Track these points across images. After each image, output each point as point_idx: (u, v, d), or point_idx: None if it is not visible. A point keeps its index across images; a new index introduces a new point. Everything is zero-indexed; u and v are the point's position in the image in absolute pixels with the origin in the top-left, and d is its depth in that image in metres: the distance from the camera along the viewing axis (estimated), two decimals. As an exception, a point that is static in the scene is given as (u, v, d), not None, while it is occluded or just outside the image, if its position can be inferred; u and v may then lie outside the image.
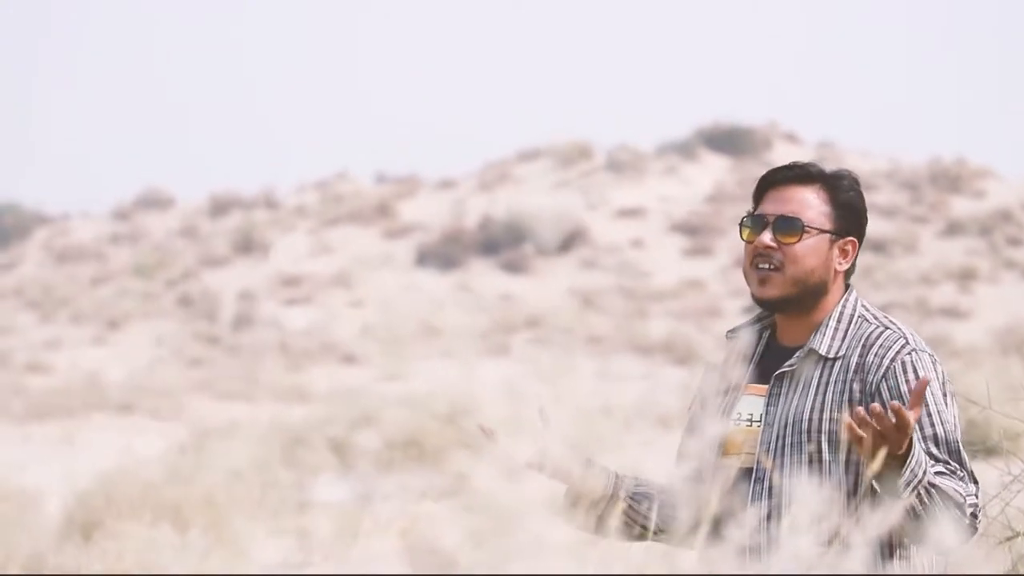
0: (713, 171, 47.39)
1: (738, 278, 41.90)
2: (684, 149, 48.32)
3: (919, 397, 3.44)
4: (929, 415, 3.56)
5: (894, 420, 3.39)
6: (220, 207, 48.34)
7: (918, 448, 3.44)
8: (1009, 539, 4.52)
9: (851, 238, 3.68)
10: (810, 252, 3.66)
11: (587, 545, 2.73)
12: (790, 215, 3.66)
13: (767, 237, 3.67)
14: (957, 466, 3.53)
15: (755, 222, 3.69)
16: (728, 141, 48.45)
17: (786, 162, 3.85)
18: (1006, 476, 4.62)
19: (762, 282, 3.68)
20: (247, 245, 45.80)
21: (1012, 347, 32.01)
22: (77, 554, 7.90)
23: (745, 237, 3.70)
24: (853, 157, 47.68)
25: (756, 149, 48.13)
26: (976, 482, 3.55)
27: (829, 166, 3.76)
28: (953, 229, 43.87)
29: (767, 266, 3.67)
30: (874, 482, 3.40)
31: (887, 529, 3.35)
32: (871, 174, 45.99)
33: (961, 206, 44.85)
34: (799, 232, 3.65)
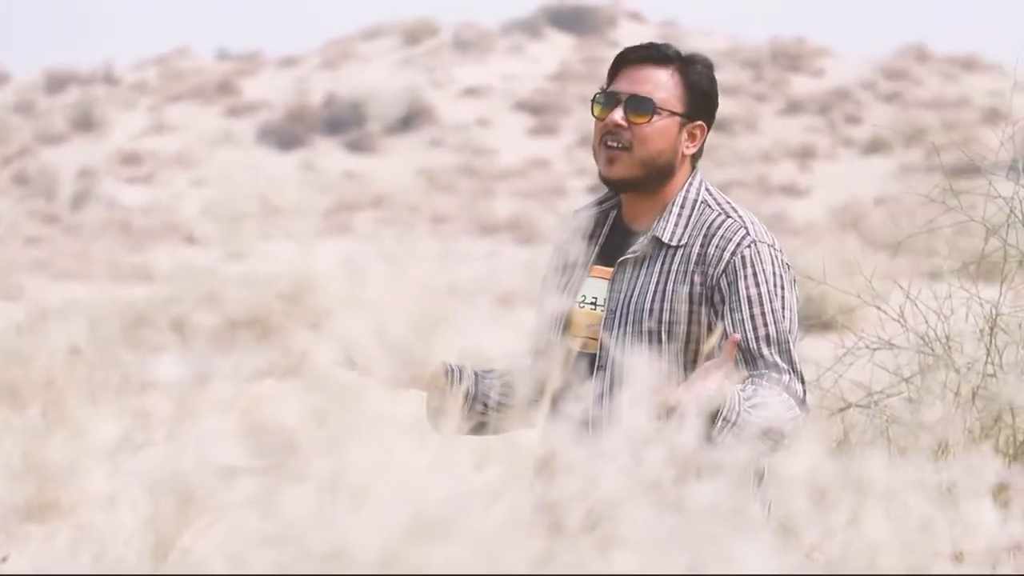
0: (558, 49, 47.36)
1: (583, 157, 42.18)
2: (529, 27, 48.21)
3: (730, 355, 3.47)
4: (763, 314, 3.58)
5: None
6: (57, 83, 47.35)
7: (730, 394, 3.48)
8: (842, 410, 4.63)
9: (700, 122, 3.69)
10: (659, 134, 3.65)
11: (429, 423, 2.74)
12: (643, 95, 3.66)
13: (618, 115, 3.66)
14: (786, 366, 3.57)
15: (608, 99, 3.69)
16: (573, 19, 48.41)
17: (636, 41, 3.85)
18: (840, 349, 4.72)
19: (610, 161, 3.67)
20: (85, 122, 44.98)
21: (848, 224, 32.62)
22: (-87, 437, 7.78)
23: (596, 114, 3.70)
24: (695, 36, 47.92)
25: (600, 28, 48.16)
26: (803, 380, 3.60)
27: (684, 49, 3.77)
28: (793, 107, 44.38)
29: (616, 145, 3.66)
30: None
31: (715, 405, 3.41)
32: (713, 53, 46.19)
33: (801, 84, 45.35)
34: (650, 113, 3.65)
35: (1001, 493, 2.42)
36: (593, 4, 48.90)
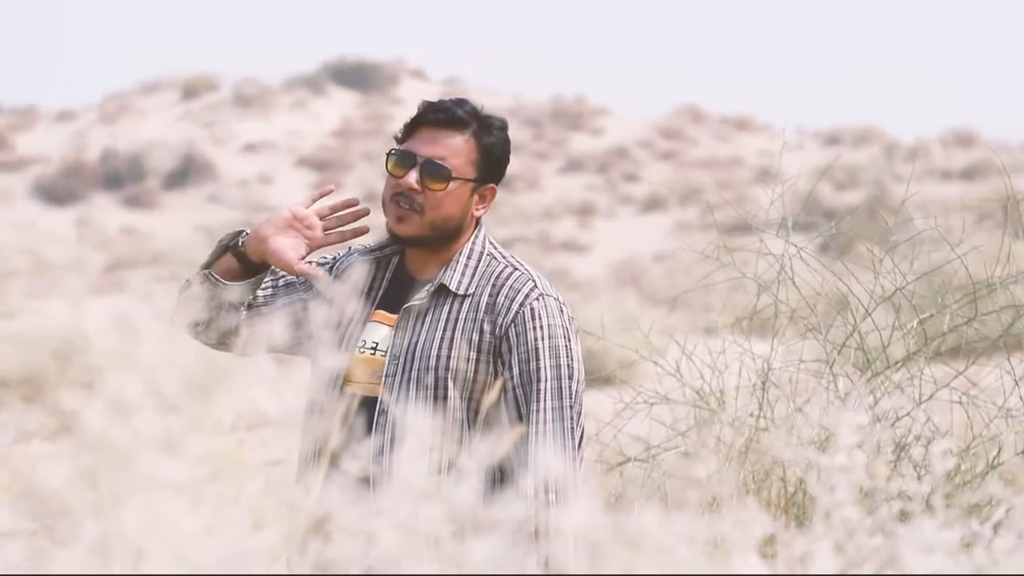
0: (341, 106, 47.34)
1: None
2: (312, 83, 48.12)
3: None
4: (549, 367, 3.63)
5: None
6: None
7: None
8: (620, 464, 4.68)
9: (491, 185, 3.75)
10: (451, 200, 3.70)
11: (203, 482, 2.71)
12: (438, 161, 3.70)
13: (412, 178, 3.70)
14: (560, 420, 3.61)
15: (403, 158, 3.72)
16: (356, 76, 48.46)
17: (418, 99, 3.90)
18: (619, 404, 4.78)
19: (399, 219, 3.71)
20: None
21: (628, 280, 33.11)
22: None
23: (390, 169, 3.72)
24: (478, 94, 48.17)
25: (383, 85, 48.27)
26: (581, 433, 3.64)
27: (480, 108, 3.79)
28: (573, 165, 44.95)
29: (407, 206, 3.70)
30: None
31: (496, 458, 3.43)
32: (495, 111, 46.55)
33: (581, 143, 45.98)
34: (446, 180, 3.69)
35: (769, 546, 2.46)
36: (376, 61, 49.02)
